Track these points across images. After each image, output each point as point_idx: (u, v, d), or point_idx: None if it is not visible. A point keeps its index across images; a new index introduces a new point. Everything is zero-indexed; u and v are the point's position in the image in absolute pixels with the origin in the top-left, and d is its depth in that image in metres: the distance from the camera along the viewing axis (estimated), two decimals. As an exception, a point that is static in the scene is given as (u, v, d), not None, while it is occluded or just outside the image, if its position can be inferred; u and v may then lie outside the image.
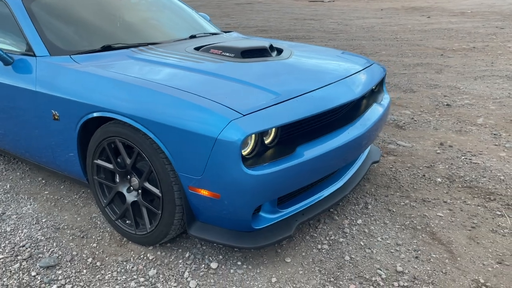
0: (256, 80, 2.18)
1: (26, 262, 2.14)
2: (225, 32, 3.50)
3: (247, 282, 2.01)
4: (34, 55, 2.48)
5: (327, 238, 2.34)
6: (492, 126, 4.02)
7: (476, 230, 2.39)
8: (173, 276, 2.04)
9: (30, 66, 2.46)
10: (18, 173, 3.10)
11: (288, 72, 2.35)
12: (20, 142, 2.69)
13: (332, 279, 2.02)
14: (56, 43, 2.53)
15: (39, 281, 2.01)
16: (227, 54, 2.51)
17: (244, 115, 1.87)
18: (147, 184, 2.14)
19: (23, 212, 2.59)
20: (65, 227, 2.44)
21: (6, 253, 2.21)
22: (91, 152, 2.29)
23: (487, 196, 2.74)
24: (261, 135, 1.97)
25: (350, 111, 2.49)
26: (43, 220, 2.49)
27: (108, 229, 2.42)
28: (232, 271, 2.08)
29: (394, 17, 14.03)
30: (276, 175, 1.91)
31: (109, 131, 2.17)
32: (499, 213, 2.54)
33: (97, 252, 2.23)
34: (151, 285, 1.98)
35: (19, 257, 2.17)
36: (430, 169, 3.15)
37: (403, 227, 2.43)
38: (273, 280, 2.03)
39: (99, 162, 2.29)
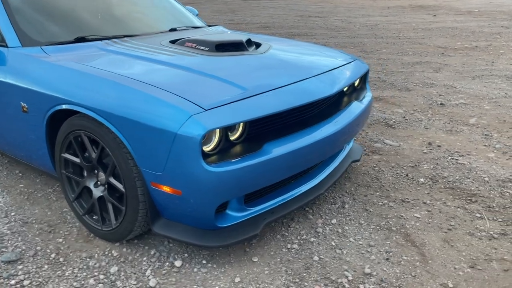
0: (226, 74, 2.12)
1: (-11, 256, 2.11)
2: (210, 26, 3.44)
3: (210, 282, 1.96)
4: (7, 46, 2.45)
5: (298, 238, 2.28)
6: (484, 127, 3.93)
7: (452, 232, 2.32)
8: (134, 273, 2.00)
9: (2, 57, 2.43)
10: (-4, 166, 3.07)
11: (262, 67, 2.30)
12: (-6, 134, 2.66)
13: (297, 280, 1.97)
14: (29, 34, 2.49)
15: (-1, 275, 1.98)
16: (202, 47, 2.45)
17: (206, 110, 1.81)
18: (112, 179, 2.10)
19: (-5, 205, 2.56)
20: (34, 221, 2.40)
21: (-29, 246, 2.18)
22: (59, 146, 2.26)
23: (469, 198, 2.67)
24: (226, 130, 1.91)
25: (326, 108, 2.43)
26: (12, 214, 2.46)
27: (77, 224, 2.39)
28: (195, 269, 2.03)
29: (400, 15, 13.88)
30: (239, 172, 1.85)
31: (74, 125, 2.13)
32: (479, 216, 2.47)
33: (62, 248, 2.19)
34: (111, 282, 1.94)
35: (-17, 251, 2.15)
36: (414, 169, 3.08)
37: (378, 227, 2.37)
38: (237, 280, 1.97)
39: (67, 156, 2.25)
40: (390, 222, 2.42)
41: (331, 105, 2.50)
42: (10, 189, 2.76)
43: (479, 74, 5.89)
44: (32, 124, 2.31)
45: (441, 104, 4.59)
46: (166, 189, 1.91)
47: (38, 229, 2.34)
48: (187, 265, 2.07)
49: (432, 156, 3.29)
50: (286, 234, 2.32)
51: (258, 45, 2.71)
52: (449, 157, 3.27)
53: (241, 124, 1.98)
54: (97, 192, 2.21)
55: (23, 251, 2.15)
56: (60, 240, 2.25)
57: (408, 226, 2.38)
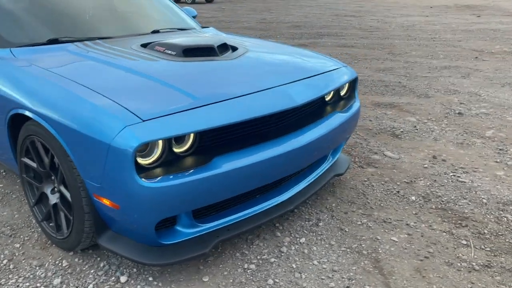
0: (181, 82, 2.01)
1: None
2: (204, 27, 3.34)
3: (150, 301, 1.86)
4: (-22, 47, 2.44)
5: (258, 257, 2.14)
6: (501, 140, 3.61)
7: (428, 260, 2.10)
8: (76, 287, 1.93)
9: (-24, 59, 2.42)
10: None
11: (226, 74, 2.17)
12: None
13: (243, 305, 1.84)
14: (1, 34, 2.47)
15: None
16: (169, 52, 2.35)
17: (143, 121, 1.71)
18: (62, 188, 2.04)
19: (-31, 205, 2.58)
20: (-2, 224, 2.39)
21: None
22: (19, 150, 2.22)
23: (459, 222, 2.42)
24: (169, 142, 1.80)
25: (296, 120, 2.26)
26: (-21, 215, 2.46)
27: (39, 230, 2.35)
28: (139, 287, 1.94)
29: (441, 16, 13.27)
30: (180, 188, 1.73)
31: (29, 130, 2.08)
32: (464, 243, 2.23)
33: (17, 254, 2.16)
34: (49, 295, 1.88)
35: None
36: (409, 185, 2.85)
37: (348, 250, 2.19)
38: (179, 300, 1.87)
39: (26, 160, 2.22)
40: (363, 245, 2.23)
41: (304, 116, 2.33)
42: (-13, 189, 2.77)
43: (510, 81, 5.48)
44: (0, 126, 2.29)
45: (459, 113, 4.28)
46: (106, 202, 1.82)
47: (0, 232, 2.32)
48: (132, 281, 1.97)
49: (432, 172, 3.04)
50: (247, 252, 2.18)
51: (234, 49, 2.57)
52: (451, 174, 3.01)
53: (191, 136, 1.86)
54: (53, 199, 2.16)
55: (-25, 256, 2.13)
56: (18, 245, 2.22)
57: (380, 251, 2.19)
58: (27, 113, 2.00)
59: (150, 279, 1.99)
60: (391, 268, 2.06)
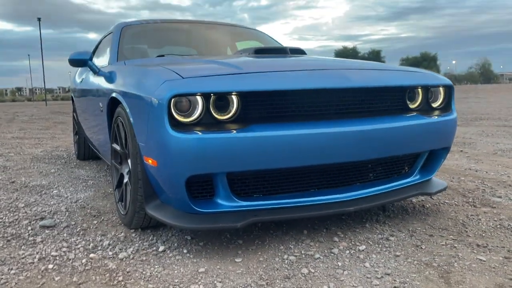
0: (238, 62, 2.09)
1: None
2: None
3: (174, 266, 1.80)
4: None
5: (302, 252, 1.91)
6: None
7: (517, 278, 1.59)
8: (120, 249, 1.99)
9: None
10: None
11: (286, 62, 2.18)
12: None
13: (263, 283, 1.63)
14: (123, 53, 2.97)
15: None
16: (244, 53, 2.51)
17: (183, 78, 1.81)
18: (129, 160, 2.21)
19: None
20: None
21: None
22: (112, 137, 2.52)
23: None
24: (209, 106, 1.83)
25: (354, 107, 2.05)
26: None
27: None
28: (171, 255, 1.90)
29: None
30: (208, 142, 1.74)
31: (117, 113, 2.36)
32: None
33: (91, 227, 2.35)
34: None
35: None
36: (531, 223, 2.26)
37: (415, 262, 1.80)
38: (201, 270, 1.76)
39: (114, 146, 2.49)
40: (436, 259, 1.81)
41: (367, 107, 2.10)
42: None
43: None
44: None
45: None
46: (149, 161, 1.91)
47: (88, 213, 2.58)
48: (168, 251, 1.95)
49: None
50: (292, 247, 1.97)
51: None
52: None
53: (234, 104, 1.87)
54: (126, 178, 2.33)
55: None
56: (95, 222, 2.42)
57: (456, 265, 1.74)
58: (114, 94, 2.30)
59: (185, 251, 1.94)
60: (461, 278, 1.61)
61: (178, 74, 1.84)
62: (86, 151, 4.49)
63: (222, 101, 1.85)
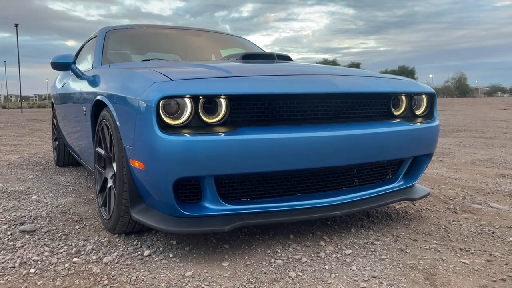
0: (227, 66, 2.10)
1: None
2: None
3: (160, 270, 1.77)
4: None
5: (289, 256, 1.90)
6: None
7: (504, 282, 1.62)
8: (104, 254, 1.95)
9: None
10: None
11: (273, 67, 2.20)
12: None
13: (252, 287, 1.62)
14: (108, 58, 2.94)
15: None
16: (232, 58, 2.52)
17: (172, 80, 1.81)
18: (114, 164, 2.18)
19: None
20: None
21: None
22: (96, 141, 2.49)
23: None
24: (197, 109, 1.82)
25: (339, 113, 2.07)
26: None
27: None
28: (157, 259, 1.87)
29: None
30: (196, 144, 1.73)
31: (102, 116, 2.34)
32: None
33: (73, 232, 2.30)
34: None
35: None
36: (511, 229, 2.32)
37: (401, 265, 1.82)
38: (188, 274, 1.74)
39: (98, 149, 2.45)
40: (421, 262, 1.83)
41: (352, 113, 2.13)
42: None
43: None
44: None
45: None
46: (136, 164, 1.89)
47: (69, 219, 2.52)
48: (153, 255, 1.93)
49: (548, 221, 2.43)
50: (279, 251, 1.97)
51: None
52: None
53: (223, 108, 1.86)
54: (110, 182, 2.30)
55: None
56: (77, 227, 2.37)
57: (440, 268, 1.76)
58: (99, 97, 2.28)
59: (171, 255, 1.92)
60: (446, 280, 1.63)
61: (167, 76, 1.84)
62: (66, 157, 4.41)
63: (210, 104, 1.85)
